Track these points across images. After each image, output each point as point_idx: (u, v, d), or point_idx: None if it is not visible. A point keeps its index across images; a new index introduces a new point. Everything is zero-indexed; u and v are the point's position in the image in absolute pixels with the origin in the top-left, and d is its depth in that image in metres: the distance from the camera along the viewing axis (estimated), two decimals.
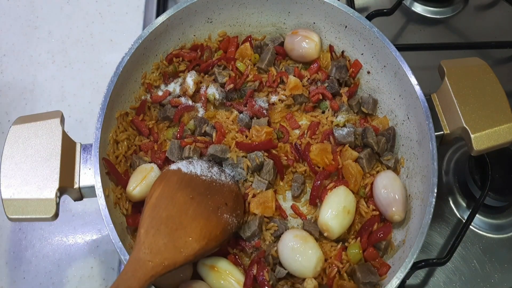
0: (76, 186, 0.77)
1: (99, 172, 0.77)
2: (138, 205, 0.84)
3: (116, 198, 0.83)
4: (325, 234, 0.83)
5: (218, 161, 0.87)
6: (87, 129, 1.02)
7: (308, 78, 0.96)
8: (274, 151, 0.89)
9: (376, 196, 0.86)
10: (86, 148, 0.80)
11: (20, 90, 1.06)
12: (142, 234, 0.72)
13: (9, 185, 0.73)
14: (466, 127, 0.83)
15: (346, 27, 0.96)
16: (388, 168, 0.90)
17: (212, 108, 0.95)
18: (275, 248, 0.81)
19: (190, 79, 0.93)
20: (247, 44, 0.99)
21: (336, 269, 0.81)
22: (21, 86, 1.07)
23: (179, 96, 0.93)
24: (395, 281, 0.74)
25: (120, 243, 0.73)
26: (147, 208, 0.75)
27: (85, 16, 1.15)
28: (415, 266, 0.86)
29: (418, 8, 1.24)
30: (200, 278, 0.79)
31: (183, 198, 0.78)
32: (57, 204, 0.74)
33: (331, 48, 1.00)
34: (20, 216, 0.73)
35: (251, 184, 0.87)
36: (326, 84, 0.95)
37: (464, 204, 1.00)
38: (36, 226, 0.94)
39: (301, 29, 0.98)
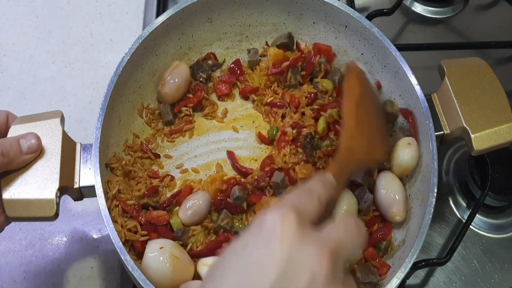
0: (76, 186, 0.77)
1: (99, 172, 0.77)
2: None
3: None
4: None
5: None
6: (87, 129, 1.01)
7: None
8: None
9: (376, 197, 0.86)
10: (86, 148, 0.80)
11: (20, 90, 1.06)
12: (352, 125, 0.73)
13: (9, 185, 0.73)
14: (466, 127, 0.83)
15: (346, 27, 0.96)
16: (388, 168, 0.90)
17: None
18: None
19: None
20: None
21: None
22: (21, 86, 1.07)
23: None
24: (395, 281, 0.74)
25: (120, 243, 0.73)
26: (351, 102, 0.75)
27: (85, 16, 1.15)
28: (415, 266, 0.86)
29: (418, 8, 1.24)
30: (200, 278, 0.80)
31: (371, 106, 0.80)
32: (57, 204, 0.74)
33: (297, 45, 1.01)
34: (20, 216, 0.73)
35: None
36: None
37: (464, 204, 1.00)
38: (36, 226, 0.94)
39: None
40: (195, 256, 0.81)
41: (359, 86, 0.79)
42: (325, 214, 0.54)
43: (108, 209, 0.76)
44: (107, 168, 0.85)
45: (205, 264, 0.79)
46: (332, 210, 0.58)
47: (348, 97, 0.77)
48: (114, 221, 0.79)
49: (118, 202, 0.82)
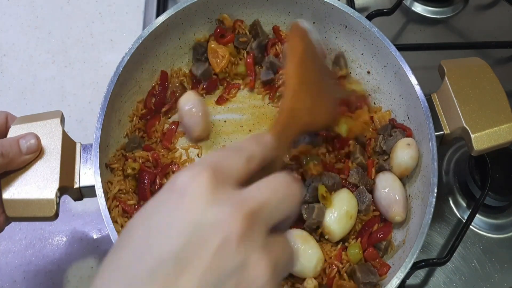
0: (76, 186, 0.77)
1: (99, 172, 0.77)
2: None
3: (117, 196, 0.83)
4: (326, 237, 0.83)
5: None
6: (87, 129, 1.01)
7: None
8: None
9: (376, 197, 0.86)
10: (86, 148, 0.80)
11: (20, 90, 1.06)
12: (295, 84, 0.69)
13: (9, 185, 0.73)
14: (466, 127, 0.83)
15: (346, 27, 0.96)
16: (387, 169, 0.90)
17: None
18: None
19: None
20: None
21: (336, 269, 0.81)
22: (21, 86, 1.07)
23: None
24: (395, 281, 0.74)
25: None
26: (293, 62, 0.71)
27: (85, 16, 1.15)
28: (415, 266, 0.86)
29: (418, 8, 1.24)
30: None
31: (316, 67, 0.76)
32: (57, 204, 0.74)
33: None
34: (20, 216, 0.73)
35: None
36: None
37: (464, 204, 1.00)
38: (36, 226, 0.94)
39: None
40: None
41: (301, 45, 0.74)
42: (264, 176, 0.46)
43: (108, 209, 0.76)
44: (107, 168, 0.85)
45: None
46: (272, 173, 0.49)
47: (291, 56, 0.73)
48: (114, 221, 0.79)
49: (118, 202, 0.82)
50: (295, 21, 0.80)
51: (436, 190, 0.79)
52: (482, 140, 0.83)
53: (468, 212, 0.94)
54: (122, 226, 0.80)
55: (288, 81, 0.70)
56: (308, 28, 0.79)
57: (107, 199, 0.79)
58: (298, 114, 0.67)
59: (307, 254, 0.78)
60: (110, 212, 0.77)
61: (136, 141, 0.89)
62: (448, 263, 0.90)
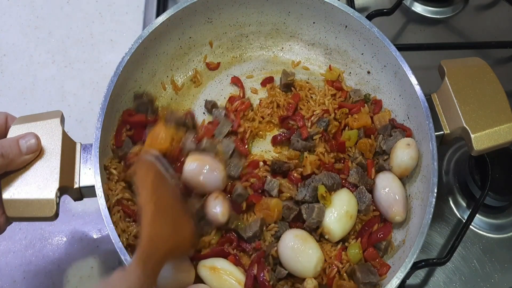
0: (76, 186, 0.77)
1: (99, 172, 0.77)
2: None
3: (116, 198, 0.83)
4: (326, 237, 0.83)
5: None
6: (87, 129, 1.02)
7: None
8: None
9: (376, 197, 0.86)
10: (86, 148, 0.80)
11: (20, 90, 1.06)
12: (152, 209, 0.68)
13: (9, 185, 0.73)
14: (466, 127, 0.83)
15: (346, 27, 0.96)
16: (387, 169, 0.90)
17: None
18: (275, 248, 0.81)
19: None
20: None
21: (336, 269, 0.81)
22: (21, 86, 1.07)
23: None
24: (395, 281, 0.74)
25: (120, 243, 0.73)
26: (146, 189, 0.71)
27: (85, 16, 1.15)
28: (415, 266, 0.86)
29: (418, 8, 1.24)
30: (201, 280, 0.79)
31: (168, 195, 0.76)
32: (57, 204, 0.74)
33: None
34: (21, 216, 0.73)
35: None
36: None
37: (464, 204, 1.00)
38: (36, 226, 0.94)
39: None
40: (197, 259, 0.81)
41: (151, 174, 0.74)
42: None
43: (108, 209, 0.76)
44: (106, 171, 0.85)
45: (205, 266, 0.79)
46: None
47: (143, 184, 0.72)
48: (115, 225, 0.79)
49: (120, 207, 0.81)
50: (143, 155, 0.79)
51: (436, 190, 0.79)
52: (482, 140, 0.83)
53: (468, 212, 0.94)
54: (123, 231, 0.80)
55: (144, 208, 0.68)
56: (153, 160, 0.78)
57: (109, 203, 0.78)
58: (158, 241, 0.66)
59: (307, 254, 0.78)
60: (110, 212, 0.77)
61: (130, 145, 0.87)
62: (448, 263, 0.90)
